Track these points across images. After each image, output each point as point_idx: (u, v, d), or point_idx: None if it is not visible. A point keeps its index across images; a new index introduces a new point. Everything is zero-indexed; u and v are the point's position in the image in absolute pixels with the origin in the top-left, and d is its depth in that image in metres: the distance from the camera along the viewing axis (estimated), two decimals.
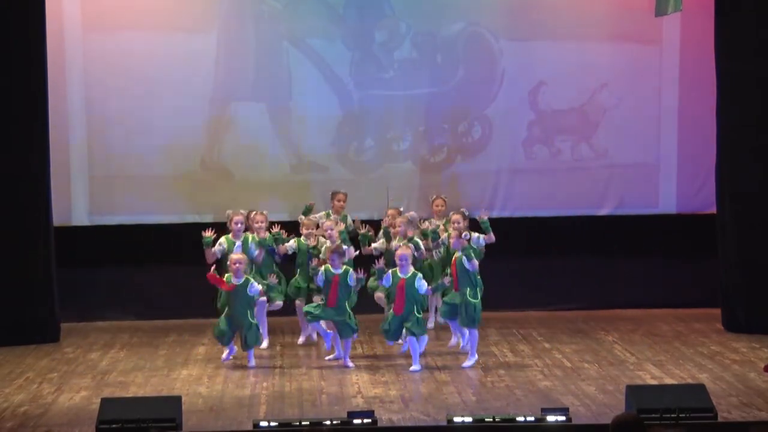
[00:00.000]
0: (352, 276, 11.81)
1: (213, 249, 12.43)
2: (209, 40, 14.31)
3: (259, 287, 11.86)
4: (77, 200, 14.26)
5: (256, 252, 12.50)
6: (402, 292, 11.64)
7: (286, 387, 11.11)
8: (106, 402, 9.64)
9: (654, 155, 14.69)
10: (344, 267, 11.89)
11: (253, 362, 11.93)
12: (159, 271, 14.36)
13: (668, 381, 11.08)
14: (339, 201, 13.34)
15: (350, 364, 11.81)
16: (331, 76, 14.48)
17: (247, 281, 11.81)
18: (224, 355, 12.07)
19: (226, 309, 11.95)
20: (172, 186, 14.33)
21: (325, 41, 14.43)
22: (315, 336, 12.83)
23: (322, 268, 11.89)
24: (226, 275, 11.86)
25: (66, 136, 14.11)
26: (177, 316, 14.26)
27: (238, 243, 12.52)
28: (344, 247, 12.17)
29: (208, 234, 12.47)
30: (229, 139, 14.44)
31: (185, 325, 14.00)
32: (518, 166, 14.64)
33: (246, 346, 11.88)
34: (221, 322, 11.92)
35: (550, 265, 14.61)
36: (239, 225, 12.58)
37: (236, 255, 12.02)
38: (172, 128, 14.25)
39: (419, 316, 11.70)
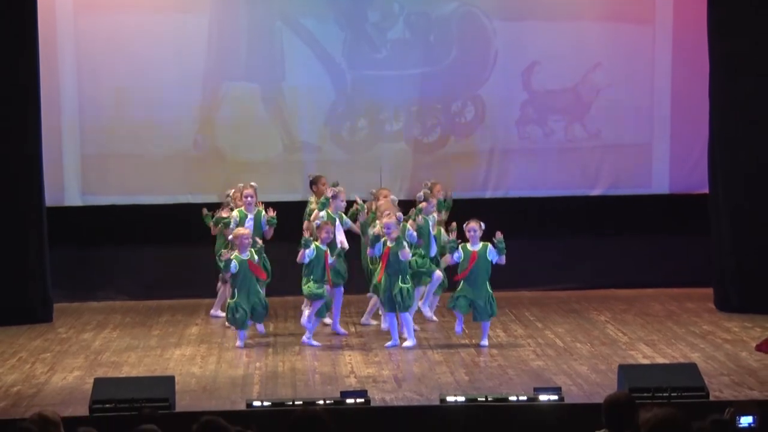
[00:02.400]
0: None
1: (227, 222, 12.65)
2: (201, 19, 14.25)
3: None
4: (70, 180, 14.22)
5: (266, 228, 12.55)
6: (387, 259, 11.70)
7: (279, 367, 11.12)
8: (99, 382, 9.65)
9: (647, 135, 14.68)
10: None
11: (262, 328, 12.16)
12: (152, 251, 14.35)
13: (660, 360, 11.10)
14: (323, 185, 13.14)
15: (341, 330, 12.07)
16: (324, 56, 14.44)
17: (251, 255, 11.85)
18: (239, 342, 11.99)
19: (237, 293, 11.88)
20: (165, 166, 14.28)
21: (318, 21, 14.38)
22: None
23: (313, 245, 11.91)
24: (234, 254, 11.84)
25: (58, 116, 14.07)
26: (170, 296, 14.24)
27: (251, 216, 12.54)
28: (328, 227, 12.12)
29: (206, 212, 12.79)
30: (221, 119, 14.39)
31: (178, 305, 13.99)
32: (511, 146, 14.62)
33: (256, 318, 11.97)
34: (236, 306, 11.83)
35: (542, 245, 14.61)
36: (250, 198, 12.60)
37: (242, 230, 12.03)
38: (165, 108, 14.20)
39: (404, 286, 11.76)
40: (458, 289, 11.79)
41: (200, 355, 11.61)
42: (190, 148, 14.37)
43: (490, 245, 11.71)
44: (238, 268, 11.79)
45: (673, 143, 14.63)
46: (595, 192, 14.71)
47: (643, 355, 11.38)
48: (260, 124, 14.42)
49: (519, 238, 14.43)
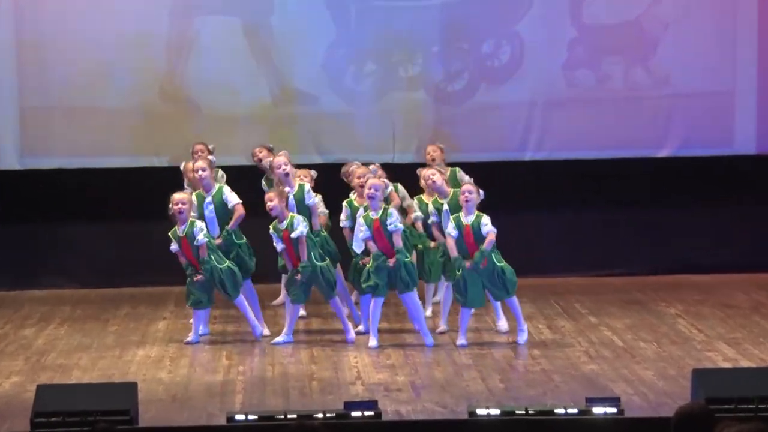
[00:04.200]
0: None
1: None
2: None
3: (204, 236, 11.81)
4: (5, 139, 14.27)
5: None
6: (380, 235, 11.67)
7: (267, 372, 11.13)
8: (43, 389, 9.65)
9: (728, 82, 14.65)
10: (290, 215, 11.84)
11: (258, 330, 12.02)
12: (109, 228, 14.41)
13: (744, 363, 11.11)
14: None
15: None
16: None
17: (192, 224, 11.79)
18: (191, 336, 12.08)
19: (190, 270, 11.92)
20: (124, 120, 14.33)
21: None
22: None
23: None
24: (173, 230, 11.84)
25: None
26: (131, 283, 14.32)
27: (209, 198, 12.27)
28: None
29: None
30: (194, 63, 14.42)
31: (141, 294, 14.05)
32: (557, 96, 14.62)
33: (231, 294, 11.91)
34: (191, 286, 11.94)
35: (596, 219, 14.63)
36: (203, 173, 12.11)
37: (179, 194, 11.82)
38: (123, 49, 14.23)
39: (407, 260, 11.78)
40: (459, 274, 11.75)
41: (169, 357, 11.64)
42: (155, 99, 14.40)
43: (485, 216, 11.63)
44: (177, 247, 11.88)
45: (761, 91, 14.60)
46: (663, 153, 14.71)
47: (724, 357, 11.39)
48: (243, 69, 14.46)
49: (566, 210, 14.49)
